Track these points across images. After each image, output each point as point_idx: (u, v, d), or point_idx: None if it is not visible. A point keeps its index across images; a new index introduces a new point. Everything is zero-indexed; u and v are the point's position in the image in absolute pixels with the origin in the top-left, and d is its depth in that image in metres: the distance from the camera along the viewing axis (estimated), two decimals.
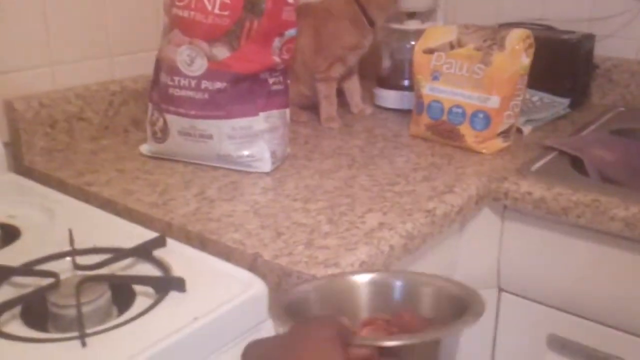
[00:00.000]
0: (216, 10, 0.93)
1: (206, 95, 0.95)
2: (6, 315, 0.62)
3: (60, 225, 0.79)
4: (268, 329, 0.69)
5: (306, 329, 0.44)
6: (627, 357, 0.97)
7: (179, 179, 0.96)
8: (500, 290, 1.06)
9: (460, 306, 0.51)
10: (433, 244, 0.92)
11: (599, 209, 0.90)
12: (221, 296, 0.66)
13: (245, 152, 0.97)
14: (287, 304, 0.52)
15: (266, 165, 0.98)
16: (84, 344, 0.57)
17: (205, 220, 0.82)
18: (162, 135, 1.00)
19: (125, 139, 1.12)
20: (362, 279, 0.56)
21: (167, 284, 0.66)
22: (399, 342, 0.46)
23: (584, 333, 1.00)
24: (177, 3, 0.95)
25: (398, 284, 0.56)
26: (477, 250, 1.03)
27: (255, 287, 0.68)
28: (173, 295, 0.65)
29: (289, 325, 0.47)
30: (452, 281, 0.55)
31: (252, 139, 0.97)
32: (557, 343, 1.03)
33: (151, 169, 1.00)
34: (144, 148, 1.04)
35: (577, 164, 1.06)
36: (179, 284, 0.66)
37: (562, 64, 1.32)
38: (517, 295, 1.05)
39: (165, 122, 0.99)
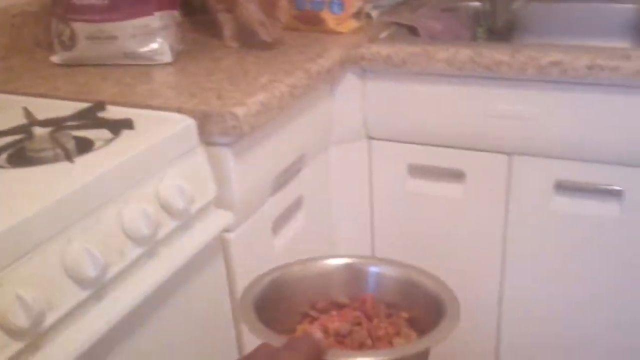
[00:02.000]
0: None
1: (106, 1, 1.17)
2: None
3: (10, 114, 0.99)
4: (198, 156, 0.95)
5: (276, 356, 0.44)
6: (468, 169, 1.34)
7: (96, 76, 1.17)
8: (370, 138, 1.40)
9: (428, 298, 0.55)
10: (311, 103, 1.22)
11: (429, 55, 1.24)
12: (162, 130, 0.91)
13: (148, 48, 1.20)
14: (257, 295, 0.55)
15: (167, 57, 1.22)
16: (71, 160, 0.81)
17: (129, 95, 1.06)
18: (70, 42, 1.21)
19: (32, 57, 1.30)
20: (336, 264, 0.60)
21: (119, 125, 0.90)
22: (372, 359, 0.49)
23: (436, 157, 1.36)
24: None
25: (371, 270, 0.59)
26: (347, 108, 1.35)
27: (186, 121, 0.94)
28: (125, 133, 0.90)
29: (257, 332, 0.49)
30: (426, 273, 0.58)
31: (152, 36, 1.20)
32: (416, 169, 1.39)
33: (67, 72, 1.20)
34: (55, 58, 1.24)
35: (414, 32, 1.40)
36: (128, 124, 0.90)
37: None
38: (382, 139, 1.39)
39: (72, 30, 1.20)
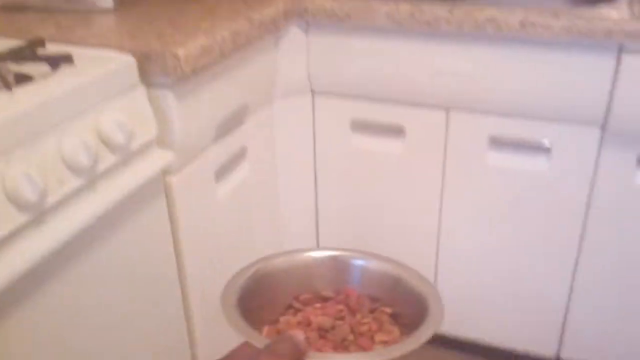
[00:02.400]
0: None
1: None
2: None
3: None
4: (139, 94, 0.98)
5: (271, 350, 0.45)
6: (408, 124, 1.40)
7: (36, 19, 1.18)
8: (314, 93, 1.43)
9: (411, 293, 0.56)
10: (255, 54, 1.25)
11: (370, 9, 1.28)
12: (101, 66, 0.93)
13: None
14: (241, 286, 0.55)
15: (108, 3, 1.23)
16: (10, 88, 0.82)
17: (69, 35, 1.07)
18: None
19: None
20: (321, 256, 0.60)
21: (59, 59, 0.92)
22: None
23: (378, 112, 1.41)
24: None
25: (356, 263, 0.60)
26: (291, 62, 1.39)
27: (127, 59, 0.96)
28: (64, 68, 0.91)
29: (239, 330, 0.49)
30: (410, 270, 0.59)
31: None
32: (359, 124, 1.44)
33: (8, 15, 1.20)
34: None
35: None
36: (68, 58, 0.92)
37: None
38: (325, 93, 1.43)
39: None
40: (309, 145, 1.49)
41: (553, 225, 1.40)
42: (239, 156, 1.30)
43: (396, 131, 1.42)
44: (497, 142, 1.37)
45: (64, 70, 0.91)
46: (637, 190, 1.31)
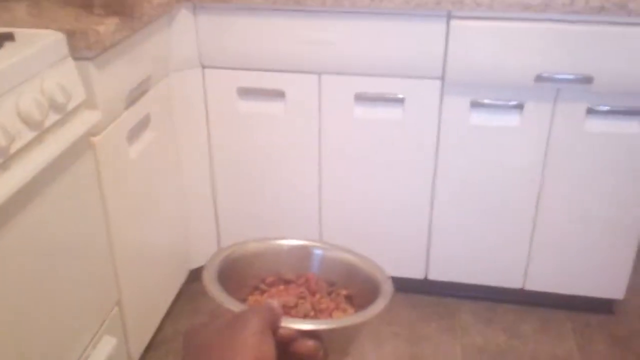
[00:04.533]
0: None
1: None
2: None
3: None
4: (69, 64, 1.22)
5: (242, 320, 0.52)
6: (287, 88, 1.73)
7: None
8: (203, 67, 1.72)
9: (365, 278, 0.65)
10: (153, 32, 1.52)
11: None
12: (38, 41, 1.17)
13: None
14: (219, 268, 0.63)
15: None
16: None
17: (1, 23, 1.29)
18: None
19: None
20: (287, 244, 0.69)
21: (2, 37, 1.15)
22: (319, 327, 0.56)
23: (260, 80, 1.73)
24: None
25: (316, 252, 0.69)
26: (182, 40, 1.67)
27: (57, 35, 1.21)
28: (7, 44, 1.15)
29: (219, 298, 0.58)
30: (364, 257, 0.68)
31: None
32: (244, 91, 1.75)
33: None
34: None
35: None
36: (10, 36, 1.15)
37: None
38: (213, 67, 1.72)
39: None
40: (202, 112, 1.78)
41: (411, 162, 1.78)
42: (145, 121, 1.57)
43: (278, 95, 1.74)
44: (362, 98, 1.73)
45: (8, 46, 1.14)
46: (471, 128, 1.72)
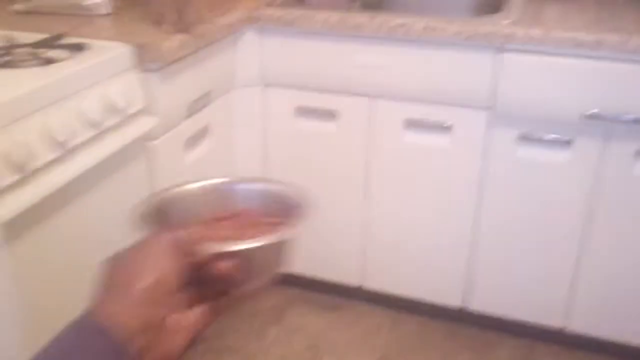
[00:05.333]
0: None
1: None
2: None
3: None
4: (133, 75, 1.40)
5: (145, 245, 0.56)
6: (340, 109, 1.84)
7: (50, 21, 1.60)
8: (265, 85, 1.88)
9: (289, 205, 0.66)
10: (219, 50, 1.69)
11: (309, 17, 1.74)
12: (107, 52, 1.35)
13: (91, 1, 1.64)
14: (151, 210, 0.67)
15: (105, 9, 1.66)
16: (44, 65, 1.24)
17: (79, 32, 1.49)
18: None
19: None
20: (209, 185, 0.72)
21: (76, 47, 1.34)
22: (231, 248, 0.57)
23: (316, 100, 1.86)
24: None
25: (239, 187, 0.72)
26: (247, 59, 1.83)
27: (125, 48, 1.39)
28: (80, 53, 1.33)
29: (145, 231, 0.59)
30: (283, 184, 0.71)
31: None
32: (301, 110, 1.88)
33: (27, 17, 1.62)
34: (17, 6, 1.66)
35: (302, 2, 1.89)
36: (83, 46, 1.34)
37: None
38: (274, 86, 1.87)
39: None
40: (260, 127, 1.93)
41: (457, 189, 1.85)
42: (204, 131, 1.73)
43: (331, 115, 1.86)
44: (411, 123, 1.82)
45: (80, 55, 1.33)
46: (518, 161, 1.77)
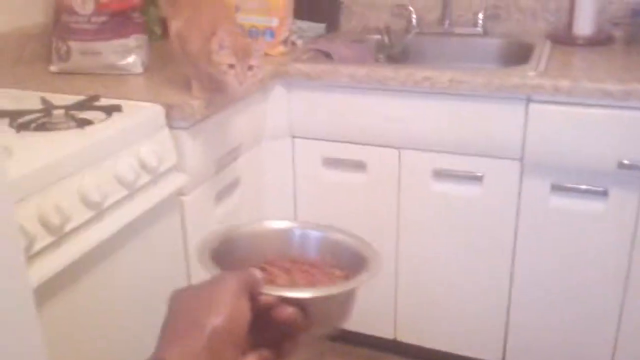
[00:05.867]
0: None
1: (96, 26, 1.66)
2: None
3: (30, 102, 1.46)
4: (165, 134, 1.44)
5: (220, 281, 0.55)
6: (368, 160, 1.86)
7: (85, 81, 1.66)
8: (293, 137, 1.91)
9: (358, 259, 0.67)
10: (248, 105, 1.73)
11: (336, 72, 1.77)
12: (140, 113, 1.40)
13: (125, 61, 1.70)
14: (213, 248, 0.66)
15: (139, 69, 1.72)
16: (83, 128, 1.29)
17: (114, 92, 1.54)
18: (66, 56, 1.69)
19: (33, 67, 1.79)
20: (279, 227, 0.72)
21: (112, 109, 1.39)
22: (298, 295, 0.57)
23: (344, 151, 1.88)
24: None
25: (312, 234, 0.72)
26: (276, 113, 1.87)
27: (157, 108, 1.43)
28: (115, 115, 1.38)
29: (211, 271, 0.59)
30: (355, 236, 0.72)
31: (128, 53, 1.70)
32: (329, 161, 1.91)
33: (64, 78, 1.69)
34: (53, 68, 1.73)
35: (329, 57, 1.93)
36: (118, 108, 1.39)
37: (318, 2, 2.22)
38: (302, 137, 1.90)
39: (68, 47, 1.68)
40: (290, 178, 1.96)
41: (489, 240, 1.84)
42: (234, 184, 1.76)
43: (359, 166, 1.89)
44: (440, 174, 1.83)
45: (115, 116, 1.38)
46: (552, 211, 1.76)
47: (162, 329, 0.56)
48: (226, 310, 0.53)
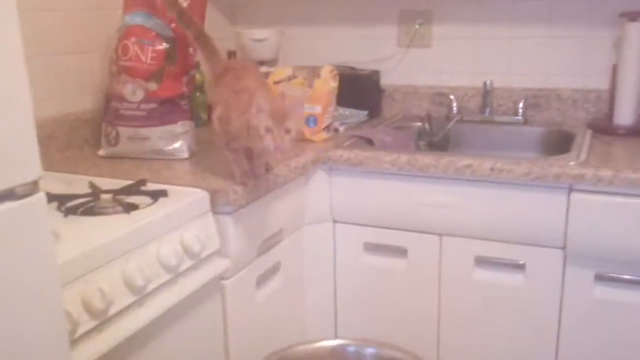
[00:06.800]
0: (148, 61, 1.71)
1: (144, 113, 1.72)
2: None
3: (79, 186, 1.50)
4: (209, 219, 1.45)
5: None
6: (409, 246, 1.85)
7: (132, 165, 1.70)
8: (334, 222, 1.91)
9: None
10: (290, 190, 1.74)
11: (378, 159, 1.79)
12: (185, 198, 1.42)
13: (172, 147, 1.74)
14: None
15: (185, 154, 1.75)
16: (128, 213, 1.31)
17: (159, 177, 1.57)
18: (115, 141, 1.74)
19: (82, 151, 1.84)
20: (336, 346, 0.79)
21: (158, 194, 1.41)
22: None
23: (385, 236, 1.87)
24: (122, 57, 1.72)
25: (368, 351, 0.81)
26: (317, 197, 1.88)
27: (202, 194, 1.45)
28: (161, 200, 1.40)
29: None
30: (408, 352, 0.76)
31: (175, 138, 1.74)
32: (370, 246, 1.89)
33: (111, 162, 1.73)
34: (101, 152, 1.78)
35: (370, 143, 1.95)
36: (164, 193, 1.41)
37: (361, 90, 2.25)
38: (343, 222, 1.90)
39: (117, 132, 1.73)
40: (330, 263, 1.94)
41: (532, 330, 1.79)
42: (275, 268, 1.76)
43: (400, 252, 1.87)
44: (482, 261, 1.80)
45: (161, 201, 1.40)
46: (596, 302, 1.71)
47: None
48: None
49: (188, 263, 1.38)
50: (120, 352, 1.22)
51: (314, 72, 1.97)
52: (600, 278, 1.69)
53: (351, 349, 0.77)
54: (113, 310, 1.19)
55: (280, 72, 2.02)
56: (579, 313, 1.73)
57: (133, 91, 1.71)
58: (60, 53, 1.82)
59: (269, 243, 1.71)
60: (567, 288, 1.73)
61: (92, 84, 1.91)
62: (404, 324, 1.92)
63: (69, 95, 1.86)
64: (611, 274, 1.68)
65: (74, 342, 1.10)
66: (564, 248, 1.71)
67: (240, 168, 1.54)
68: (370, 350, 0.75)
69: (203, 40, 1.62)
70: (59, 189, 1.48)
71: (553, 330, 1.77)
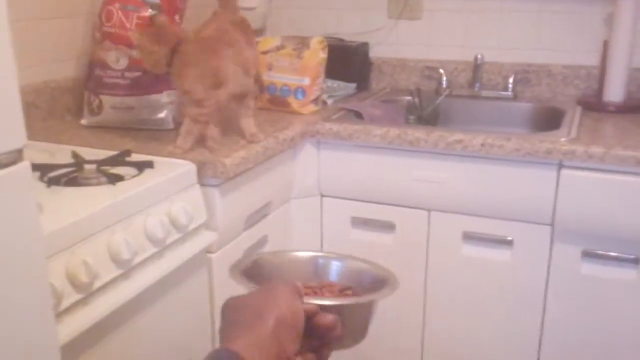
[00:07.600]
0: (133, 27, 1.66)
1: (129, 81, 1.67)
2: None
3: (62, 156, 1.45)
4: (196, 191, 1.42)
5: (274, 285, 0.64)
6: (397, 221, 1.83)
7: (116, 135, 1.65)
8: (322, 196, 1.88)
9: (378, 282, 0.78)
10: (278, 163, 1.71)
11: (367, 132, 1.76)
12: (172, 170, 1.38)
13: (157, 116, 1.69)
14: (243, 270, 0.76)
15: (170, 125, 1.71)
16: (114, 184, 1.27)
17: (145, 147, 1.53)
18: (98, 110, 1.69)
19: (64, 120, 1.79)
20: (304, 256, 0.82)
21: (144, 165, 1.37)
22: (337, 302, 0.68)
23: (373, 211, 1.85)
24: (106, 23, 1.66)
25: (334, 262, 0.83)
26: (305, 171, 1.85)
27: (189, 165, 1.41)
28: (147, 171, 1.37)
29: (247, 286, 0.70)
30: (372, 262, 0.84)
31: (160, 108, 1.70)
32: (357, 221, 1.87)
33: (94, 132, 1.68)
34: (84, 121, 1.72)
35: (359, 116, 1.92)
36: (150, 164, 1.37)
37: (349, 62, 2.21)
38: (331, 196, 1.88)
39: (100, 101, 1.68)
40: (317, 237, 1.92)
41: (519, 305, 1.79)
42: (262, 242, 1.73)
43: (388, 227, 1.85)
44: (470, 237, 1.79)
45: (147, 172, 1.36)
46: (583, 278, 1.71)
47: (221, 331, 0.62)
48: (287, 304, 0.60)
49: (175, 236, 1.34)
50: (106, 326, 1.19)
51: (302, 42, 1.92)
52: (587, 255, 1.69)
53: (320, 260, 0.87)
54: (98, 283, 1.15)
55: (268, 41, 1.98)
56: (565, 289, 1.73)
57: (117, 58, 1.66)
58: (40, 17, 1.75)
59: (256, 217, 1.68)
60: (554, 264, 1.73)
61: (74, 50, 1.85)
62: (390, 298, 1.91)
63: (50, 62, 1.79)
64: (598, 251, 1.69)
65: (58, 315, 1.06)
66: (552, 224, 1.70)
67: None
68: (337, 262, 0.87)
69: None
70: (41, 158, 1.43)
71: (539, 306, 1.77)
